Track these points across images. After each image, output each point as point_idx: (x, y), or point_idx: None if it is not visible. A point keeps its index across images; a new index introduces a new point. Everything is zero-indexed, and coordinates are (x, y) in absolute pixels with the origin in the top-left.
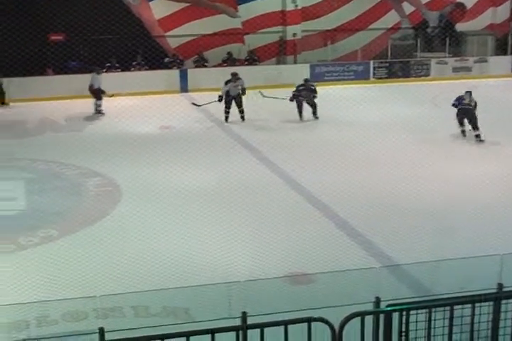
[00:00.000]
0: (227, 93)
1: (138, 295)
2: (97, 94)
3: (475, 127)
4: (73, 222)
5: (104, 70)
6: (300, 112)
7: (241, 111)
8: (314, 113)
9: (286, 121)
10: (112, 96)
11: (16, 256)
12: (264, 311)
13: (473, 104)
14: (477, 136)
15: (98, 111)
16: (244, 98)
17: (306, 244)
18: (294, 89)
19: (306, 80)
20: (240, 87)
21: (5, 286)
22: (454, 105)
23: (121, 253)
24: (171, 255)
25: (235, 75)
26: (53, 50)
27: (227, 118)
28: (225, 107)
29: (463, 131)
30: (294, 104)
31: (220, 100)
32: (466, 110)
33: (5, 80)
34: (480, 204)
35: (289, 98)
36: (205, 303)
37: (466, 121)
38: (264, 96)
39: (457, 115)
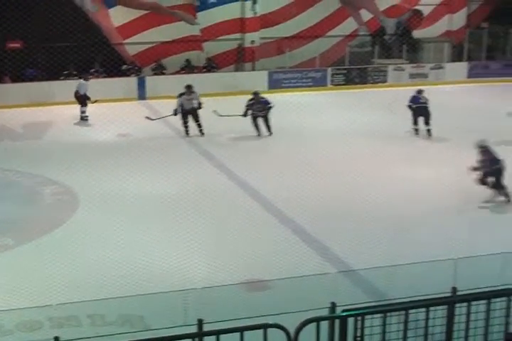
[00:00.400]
0: (182, 106)
1: (94, 303)
2: (83, 100)
3: (428, 123)
4: (29, 231)
5: (62, 78)
6: (256, 126)
7: (198, 125)
8: (268, 128)
9: (245, 132)
10: (95, 102)
11: None
12: (220, 318)
13: (427, 101)
14: (429, 130)
15: (82, 118)
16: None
17: (262, 251)
18: (246, 103)
19: (255, 93)
20: (194, 101)
21: None
22: (410, 106)
23: (77, 261)
24: (127, 263)
25: (189, 88)
26: (10, 57)
27: (187, 131)
28: (183, 122)
29: (416, 130)
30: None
31: (175, 114)
32: (423, 108)
33: None
34: (435, 208)
35: (242, 114)
36: (161, 311)
37: (419, 119)
38: (220, 115)
39: (414, 114)
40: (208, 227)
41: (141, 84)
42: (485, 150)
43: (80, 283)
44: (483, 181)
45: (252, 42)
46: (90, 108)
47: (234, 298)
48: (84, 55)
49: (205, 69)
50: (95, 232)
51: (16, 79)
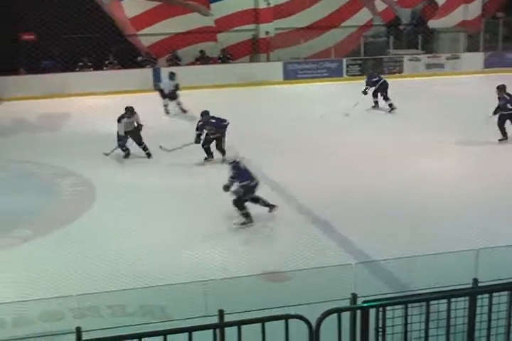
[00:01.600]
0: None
1: (115, 294)
2: (165, 95)
3: (388, 98)
4: (48, 222)
5: (77, 69)
6: (207, 150)
7: (144, 149)
8: (222, 152)
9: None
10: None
11: None
12: (241, 309)
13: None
14: (391, 104)
15: (182, 110)
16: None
17: (282, 242)
18: (196, 126)
19: (202, 113)
20: (135, 123)
21: None
22: (372, 82)
23: (96, 252)
24: (147, 254)
25: (131, 110)
26: (25, 49)
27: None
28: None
29: (376, 102)
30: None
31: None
32: (386, 84)
33: None
34: (455, 199)
35: (194, 141)
36: (181, 302)
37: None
38: (168, 151)
39: (377, 90)
40: (226, 218)
41: (157, 76)
42: (235, 165)
43: (99, 275)
44: (241, 205)
45: (267, 33)
46: (106, 100)
47: (254, 288)
48: (98, 46)
49: (219, 61)
50: (114, 224)
51: (31, 70)
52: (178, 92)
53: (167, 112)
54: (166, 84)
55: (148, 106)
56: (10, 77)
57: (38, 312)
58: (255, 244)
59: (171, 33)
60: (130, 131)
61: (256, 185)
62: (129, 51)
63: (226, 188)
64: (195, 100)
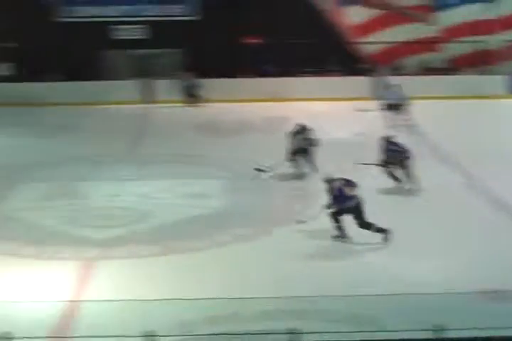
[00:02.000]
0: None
1: (330, 299)
2: (394, 107)
3: None
4: (268, 222)
5: (299, 75)
6: (393, 176)
7: (311, 166)
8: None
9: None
10: None
11: (211, 253)
12: (459, 326)
13: None
14: None
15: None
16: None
17: (505, 259)
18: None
19: (384, 139)
20: (306, 141)
21: (203, 282)
22: None
23: (313, 256)
24: (356, 262)
25: (302, 128)
26: (249, 53)
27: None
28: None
29: None
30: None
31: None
32: None
33: (199, 81)
34: None
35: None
36: (395, 313)
37: None
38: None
39: None
40: (444, 231)
41: (378, 85)
42: (331, 185)
43: (315, 278)
44: (335, 218)
45: (496, 44)
46: (325, 106)
47: (473, 306)
48: (319, 52)
49: (444, 72)
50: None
51: (253, 74)
52: (406, 106)
53: (389, 125)
54: (391, 95)
55: (366, 115)
56: (231, 79)
57: (253, 311)
58: (476, 259)
59: (394, 42)
60: (300, 149)
61: (358, 204)
62: (351, 58)
63: (327, 207)
64: (418, 112)
